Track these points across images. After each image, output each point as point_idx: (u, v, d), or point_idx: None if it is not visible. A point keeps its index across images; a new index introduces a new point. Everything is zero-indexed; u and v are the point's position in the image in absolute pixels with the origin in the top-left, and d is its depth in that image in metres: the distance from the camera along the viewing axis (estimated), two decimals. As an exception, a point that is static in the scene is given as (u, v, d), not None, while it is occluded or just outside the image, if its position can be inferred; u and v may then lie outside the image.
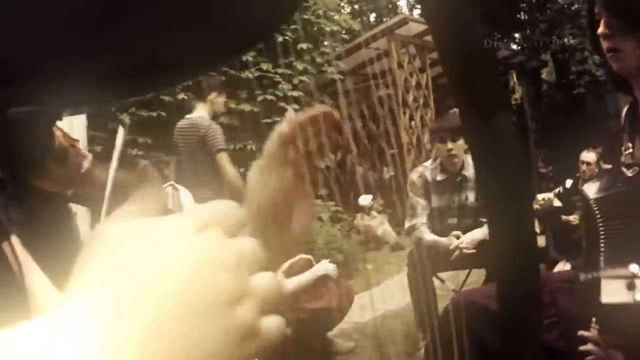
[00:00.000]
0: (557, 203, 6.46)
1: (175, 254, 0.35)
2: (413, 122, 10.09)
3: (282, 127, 0.69)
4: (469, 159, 4.35)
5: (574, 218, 5.77)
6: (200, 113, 4.67)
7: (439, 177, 4.35)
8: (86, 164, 1.83)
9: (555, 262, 5.33)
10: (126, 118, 7.32)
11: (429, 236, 4.23)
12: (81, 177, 1.83)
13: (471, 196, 4.31)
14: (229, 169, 4.45)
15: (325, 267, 4.06)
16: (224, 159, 4.46)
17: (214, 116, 4.74)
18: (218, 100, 4.71)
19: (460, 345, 1.79)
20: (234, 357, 0.34)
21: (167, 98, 7.05)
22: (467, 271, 4.50)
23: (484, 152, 0.70)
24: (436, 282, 4.34)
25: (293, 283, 3.79)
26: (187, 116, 4.78)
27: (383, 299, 5.17)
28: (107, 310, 0.31)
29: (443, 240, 4.19)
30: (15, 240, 0.62)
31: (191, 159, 4.60)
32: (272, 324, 0.37)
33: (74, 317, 0.31)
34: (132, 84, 0.55)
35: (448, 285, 4.45)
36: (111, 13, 0.44)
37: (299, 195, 0.71)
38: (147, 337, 0.31)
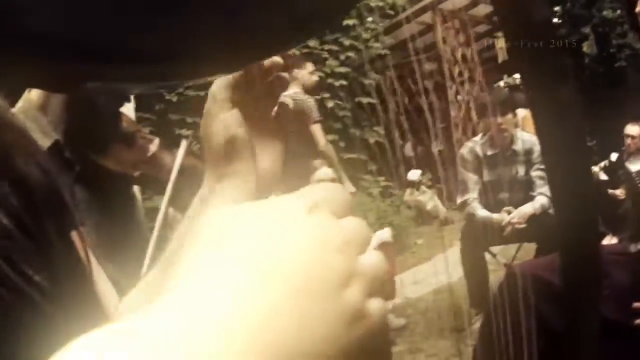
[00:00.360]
0: (603, 177, 6.35)
1: (289, 236, 0.34)
2: (459, 97, 10.00)
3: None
4: (518, 133, 4.33)
5: (620, 192, 5.66)
6: (294, 89, 4.90)
7: (489, 152, 4.33)
8: (153, 147, 1.89)
9: (603, 236, 5.27)
10: (174, 97, 7.38)
11: (481, 212, 4.23)
12: (147, 160, 1.89)
13: (521, 170, 4.29)
14: (322, 139, 4.77)
15: (382, 235, 4.12)
16: (318, 129, 4.77)
17: (307, 90, 4.96)
18: (302, 74, 4.90)
19: (525, 316, 1.80)
20: (342, 341, 0.32)
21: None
22: (517, 245, 4.49)
23: (550, 122, 0.71)
24: (487, 256, 4.34)
25: None
26: (284, 94, 4.99)
27: (435, 273, 5.16)
28: (221, 300, 0.30)
29: (495, 216, 4.19)
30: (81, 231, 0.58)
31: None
32: (378, 306, 0.35)
33: (179, 310, 0.30)
34: (201, 65, 0.56)
35: (499, 259, 4.45)
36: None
37: (259, 134, 0.69)
38: (261, 326, 0.30)
